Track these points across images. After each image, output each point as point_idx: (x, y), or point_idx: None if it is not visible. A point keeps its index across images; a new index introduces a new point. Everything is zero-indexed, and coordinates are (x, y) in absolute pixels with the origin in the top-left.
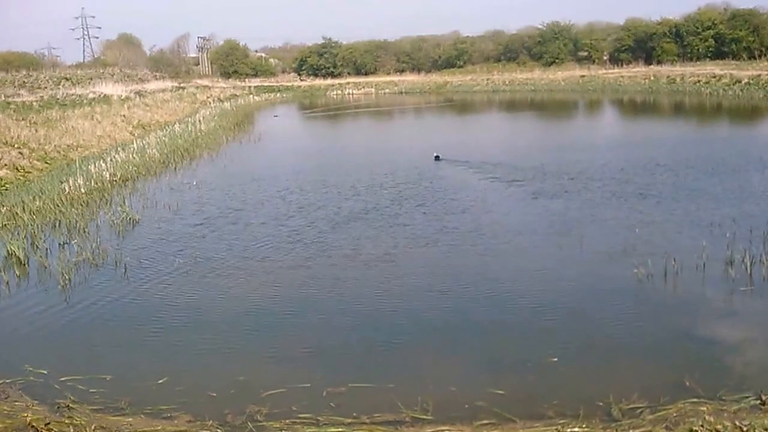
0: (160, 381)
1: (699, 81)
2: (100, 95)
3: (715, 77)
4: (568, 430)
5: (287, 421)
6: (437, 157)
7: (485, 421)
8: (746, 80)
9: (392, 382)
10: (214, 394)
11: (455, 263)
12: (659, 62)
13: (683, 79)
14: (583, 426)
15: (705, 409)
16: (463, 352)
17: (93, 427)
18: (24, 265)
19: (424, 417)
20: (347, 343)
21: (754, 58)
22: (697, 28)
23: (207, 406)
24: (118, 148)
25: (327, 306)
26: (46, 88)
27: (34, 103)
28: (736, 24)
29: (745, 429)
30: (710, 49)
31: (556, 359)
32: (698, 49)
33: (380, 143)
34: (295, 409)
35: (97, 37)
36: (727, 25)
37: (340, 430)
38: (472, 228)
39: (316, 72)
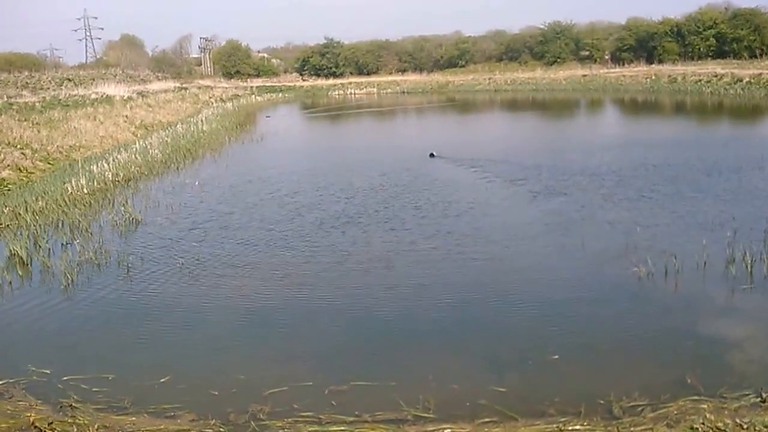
0: (163, 380)
1: (700, 80)
2: (102, 96)
3: (716, 76)
4: (570, 427)
5: (289, 419)
6: (432, 155)
7: (487, 419)
8: (747, 79)
9: (394, 380)
10: (217, 393)
11: (456, 262)
12: (660, 61)
13: (684, 79)
14: (585, 423)
15: (706, 406)
16: (465, 351)
17: (96, 427)
18: (27, 265)
19: (426, 415)
20: (349, 342)
21: (756, 57)
22: (699, 27)
23: (209, 405)
24: (121, 149)
25: (328, 305)
26: (48, 88)
27: (37, 104)
28: (738, 23)
29: (745, 426)
30: (711, 48)
31: (557, 357)
32: (699, 49)
33: (381, 143)
34: (297, 408)
35: (100, 38)
36: (729, 25)
37: (342, 428)
38: (472, 229)
39: (318, 72)
